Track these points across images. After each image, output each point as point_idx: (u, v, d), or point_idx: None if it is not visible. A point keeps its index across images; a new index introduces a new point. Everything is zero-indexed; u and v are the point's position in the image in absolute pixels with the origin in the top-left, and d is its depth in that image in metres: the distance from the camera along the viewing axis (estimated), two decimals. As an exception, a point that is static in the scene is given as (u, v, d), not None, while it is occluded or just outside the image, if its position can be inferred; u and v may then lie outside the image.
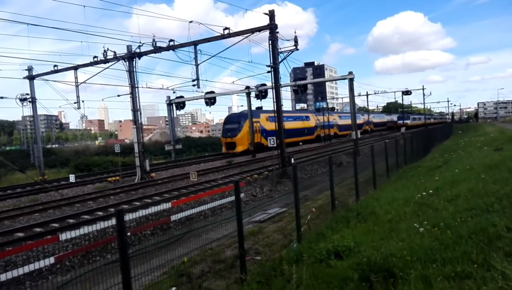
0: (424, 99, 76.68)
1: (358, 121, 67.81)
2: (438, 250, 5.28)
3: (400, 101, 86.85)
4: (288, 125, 42.38)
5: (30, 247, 8.90)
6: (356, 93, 48.79)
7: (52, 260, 6.74)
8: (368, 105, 77.78)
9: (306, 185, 13.69)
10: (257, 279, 5.82)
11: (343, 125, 62.66)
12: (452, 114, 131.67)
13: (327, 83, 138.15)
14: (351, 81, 33.73)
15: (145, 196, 17.10)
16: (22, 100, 28.35)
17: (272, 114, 43.31)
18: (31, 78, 28.46)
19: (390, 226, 7.41)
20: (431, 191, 9.93)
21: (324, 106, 59.37)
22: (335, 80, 78.14)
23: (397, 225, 7.38)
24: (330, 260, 5.89)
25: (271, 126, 40.59)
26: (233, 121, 41.56)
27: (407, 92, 67.78)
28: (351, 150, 27.30)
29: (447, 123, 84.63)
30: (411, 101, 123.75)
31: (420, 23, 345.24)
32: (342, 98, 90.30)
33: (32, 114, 29.91)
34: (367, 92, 70.05)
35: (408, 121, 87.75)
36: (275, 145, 21.95)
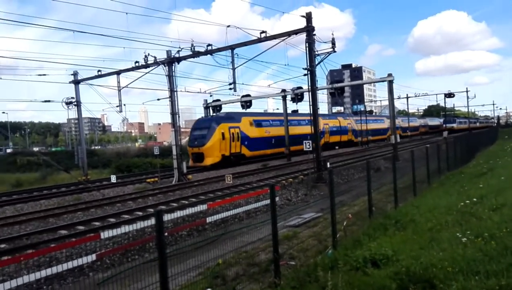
0: (468, 102, 73.50)
1: (382, 126, 62.09)
2: (482, 262, 5.04)
3: (442, 104, 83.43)
4: (279, 131, 37.45)
5: (73, 244, 9.30)
6: (395, 96, 46.47)
7: (93, 257, 7.01)
8: (408, 108, 75.47)
9: (342, 190, 13.49)
10: (291, 284, 5.78)
11: (361, 131, 53.85)
12: (498, 118, 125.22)
13: (365, 86, 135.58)
14: (390, 83, 32.90)
15: (182, 197, 17.45)
16: (68, 103, 29.69)
17: (259, 118, 37.90)
18: (76, 82, 29.81)
19: (431, 235, 7.15)
20: (475, 199, 9.49)
21: (362, 109, 57.60)
22: (374, 82, 76.38)
23: (438, 234, 7.10)
24: (366, 268, 5.76)
25: (256, 132, 36.15)
26: (202, 126, 34.03)
27: (450, 95, 65.11)
28: (389, 155, 26.60)
29: (493, 127, 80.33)
30: (454, 104, 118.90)
31: (464, 23, 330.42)
32: (380, 100, 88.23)
33: (77, 116, 31.29)
34: (407, 95, 68.04)
35: (455, 125, 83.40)
36: (310, 149, 21.74)
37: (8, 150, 69.33)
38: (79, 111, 30.20)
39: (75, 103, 29.81)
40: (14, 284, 5.28)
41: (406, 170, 13.27)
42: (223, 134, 32.54)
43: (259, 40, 22.50)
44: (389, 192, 11.49)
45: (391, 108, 34.47)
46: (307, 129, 42.63)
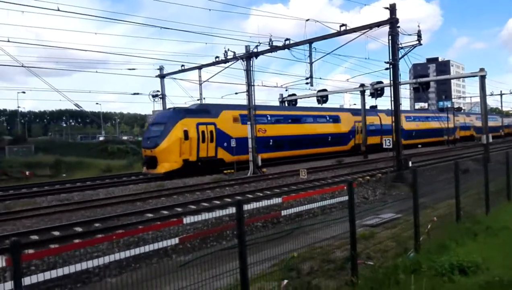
0: None
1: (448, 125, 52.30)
2: None
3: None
4: (282, 129, 31.32)
5: (158, 227, 10.03)
6: (487, 92, 41.79)
7: (176, 240, 7.50)
8: (501, 106, 68.68)
9: (424, 192, 12.71)
10: (370, 284, 5.64)
11: (413, 131, 44.67)
12: None
13: (452, 81, 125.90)
14: (482, 78, 30.14)
15: (257, 189, 17.82)
16: (154, 96, 31.79)
17: (245, 112, 26.93)
18: (162, 76, 31.77)
19: (528, 245, 6.49)
20: None
21: (449, 105, 52.86)
22: (463, 77, 70.50)
23: (537, 245, 6.43)
24: (453, 275, 5.42)
25: (243, 130, 26.64)
26: (159, 121, 26.48)
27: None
28: (478, 156, 24.50)
29: None
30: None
31: None
32: (470, 97, 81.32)
33: (161, 108, 33.37)
34: (501, 92, 61.95)
35: None
36: (390, 146, 20.79)
37: (101, 138, 76.23)
38: (164, 104, 32.10)
39: (161, 96, 31.79)
40: (108, 260, 5.86)
41: (498, 173, 12.14)
42: (186, 132, 24.77)
43: (339, 34, 22.11)
44: (479, 196, 10.61)
45: (482, 106, 31.59)
46: (328, 128, 35.93)
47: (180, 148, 24.40)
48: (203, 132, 25.67)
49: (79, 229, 11.56)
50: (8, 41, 16.63)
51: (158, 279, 6.97)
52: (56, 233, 11.13)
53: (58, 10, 16.13)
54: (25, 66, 17.69)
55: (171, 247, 9.55)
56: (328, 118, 36.89)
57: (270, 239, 9.48)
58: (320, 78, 71.08)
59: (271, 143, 30.29)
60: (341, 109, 39.35)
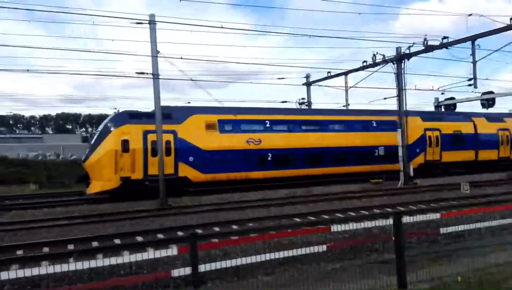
0: None
1: None
2: None
3: None
4: (297, 140, 23.64)
5: (306, 232, 10.20)
6: None
7: (324, 247, 7.55)
8: None
9: None
10: None
11: None
12: None
13: None
14: None
15: (408, 202, 16.57)
16: (300, 103, 32.70)
17: (232, 117, 22.49)
18: (308, 84, 32.50)
19: None
20: None
21: None
22: None
23: None
24: None
25: (220, 141, 21.82)
26: (98, 129, 21.91)
27: None
28: None
29: None
30: None
31: None
32: None
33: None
34: None
35: None
36: None
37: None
38: (309, 112, 32.67)
39: (307, 103, 32.52)
40: (259, 259, 6.21)
41: None
42: (125, 142, 19.47)
43: (509, 27, 19.46)
44: None
45: None
46: (372, 138, 25.99)
47: (115, 162, 19.25)
48: (153, 142, 19.38)
49: (235, 227, 12.55)
50: (181, 58, 19.12)
51: (306, 283, 7.12)
52: (216, 228, 12.32)
53: (222, 27, 17.99)
54: (193, 80, 20.16)
55: (319, 253, 9.56)
56: (375, 125, 26.78)
57: (427, 257, 8.71)
58: (486, 79, 62.28)
59: (270, 158, 22.88)
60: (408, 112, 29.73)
